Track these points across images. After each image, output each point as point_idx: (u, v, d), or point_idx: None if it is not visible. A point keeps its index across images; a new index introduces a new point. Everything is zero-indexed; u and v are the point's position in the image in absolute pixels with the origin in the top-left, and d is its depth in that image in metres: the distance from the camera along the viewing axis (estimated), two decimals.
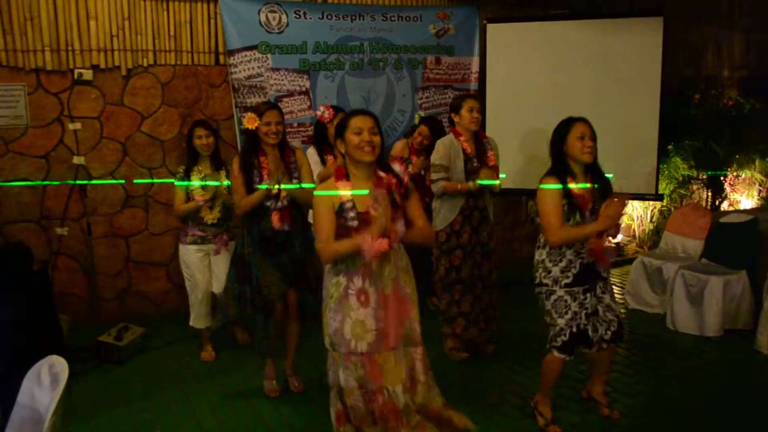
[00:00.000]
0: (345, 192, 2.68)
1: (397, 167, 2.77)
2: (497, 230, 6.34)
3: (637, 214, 6.99)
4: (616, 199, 3.02)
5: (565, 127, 3.18)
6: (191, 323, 4.33)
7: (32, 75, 4.54)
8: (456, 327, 4.16)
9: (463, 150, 3.99)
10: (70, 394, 3.80)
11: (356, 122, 2.69)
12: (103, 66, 4.71)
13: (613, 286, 5.56)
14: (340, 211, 2.67)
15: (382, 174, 2.71)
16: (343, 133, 2.71)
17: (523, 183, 5.59)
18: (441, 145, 4.02)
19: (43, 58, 4.53)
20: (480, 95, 5.84)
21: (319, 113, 4.47)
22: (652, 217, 6.91)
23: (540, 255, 3.25)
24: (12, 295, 3.73)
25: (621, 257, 6.64)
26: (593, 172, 3.20)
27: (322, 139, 4.57)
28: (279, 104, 5.13)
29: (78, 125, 4.67)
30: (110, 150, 4.85)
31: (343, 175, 2.73)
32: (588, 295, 3.19)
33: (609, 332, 3.25)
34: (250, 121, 3.50)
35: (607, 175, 3.24)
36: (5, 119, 4.52)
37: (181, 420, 3.54)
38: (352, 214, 2.65)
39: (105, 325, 4.55)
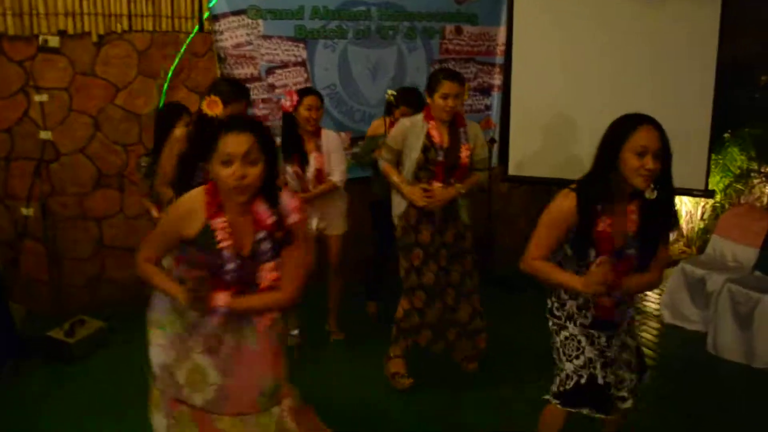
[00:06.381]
0: (220, 222, 1.99)
1: (286, 200, 2.05)
2: (517, 225, 5.68)
3: (686, 209, 6.17)
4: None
5: (622, 131, 2.22)
6: None
7: None
8: (420, 339, 3.57)
9: (429, 136, 3.35)
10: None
11: (225, 145, 1.90)
12: (71, 31, 4.22)
13: (649, 298, 4.90)
14: (203, 240, 2.00)
15: (260, 209, 2.02)
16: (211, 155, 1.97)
17: (551, 172, 4.97)
18: (400, 125, 3.51)
19: (4, 22, 4.06)
20: (506, 70, 5.19)
21: (284, 101, 3.75)
22: (703, 214, 6.07)
23: None
24: None
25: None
26: (647, 200, 2.25)
27: (291, 137, 3.78)
28: (271, 76, 4.60)
29: (44, 97, 4.22)
30: (80, 124, 4.39)
31: (216, 204, 2.00)
32: (612, 341, 2.44)
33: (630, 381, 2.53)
34: (212, 106, 2.87)
35: None
36: None
37: None
38: (224, 253, 1.99)
39: (72, 315, 4.11)
